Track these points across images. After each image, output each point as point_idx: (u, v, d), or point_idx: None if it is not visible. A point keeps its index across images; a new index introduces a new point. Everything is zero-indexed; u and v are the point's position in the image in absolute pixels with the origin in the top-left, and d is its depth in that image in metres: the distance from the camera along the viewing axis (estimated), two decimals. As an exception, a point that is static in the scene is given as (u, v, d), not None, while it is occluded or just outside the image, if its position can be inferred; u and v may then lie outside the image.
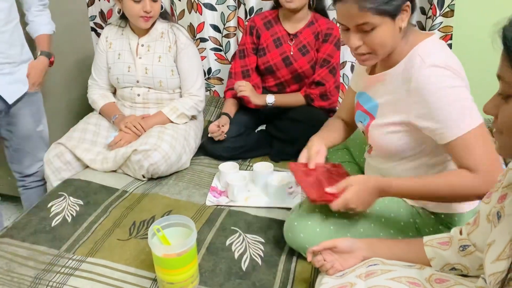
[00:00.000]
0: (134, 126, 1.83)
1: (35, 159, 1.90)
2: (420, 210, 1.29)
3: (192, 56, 1.93)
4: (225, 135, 1.85)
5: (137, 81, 1.91)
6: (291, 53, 1.96)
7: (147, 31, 1.91)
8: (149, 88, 1.92)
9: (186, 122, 1.92)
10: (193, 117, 1.99)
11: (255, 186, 1.68)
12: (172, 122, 1.88)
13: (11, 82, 1.69)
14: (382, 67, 1.26)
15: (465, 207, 1.24)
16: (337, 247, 1.07)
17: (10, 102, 1.70)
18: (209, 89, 2.49)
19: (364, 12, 1.08)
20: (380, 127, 1.25)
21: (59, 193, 1.64)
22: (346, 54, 2.20)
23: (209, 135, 1.86)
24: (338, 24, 1.19)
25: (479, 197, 1.07)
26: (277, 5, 1.98)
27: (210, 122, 2.24)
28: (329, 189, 1.18)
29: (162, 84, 1.90)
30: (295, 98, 1.99)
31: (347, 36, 1.16)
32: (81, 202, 1.58)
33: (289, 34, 1.97)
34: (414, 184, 1.16)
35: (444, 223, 1.27)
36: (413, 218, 1.29)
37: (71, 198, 1.60)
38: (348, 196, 1.14)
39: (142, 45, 1.91)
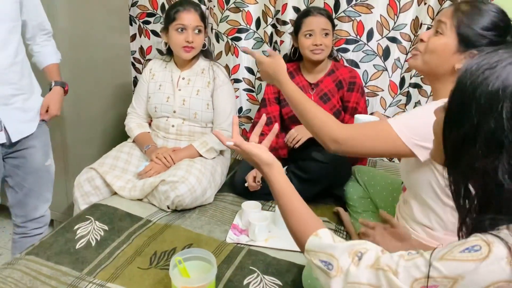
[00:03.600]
0: (165, 158, 1.89)
1: (42, 200, 1.78)
2: None
3: (228, 93, 2.02)
4: (261, 184, 1.87)
5: (174, 111, 1.99)
6: None
7: (189, 65, 2.02)
8: (183, 119, 2.00)
9: (214, 157, 1.97)
10: (221, 153, 2.05)
11: (276, 227, 1.69)
12: (201, 156, 1.94)
13: (22, 121, 1.60)
14: None
15: None
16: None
17: (14, 140, 1.59)
18: (239, 127, 2.55)
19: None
20: (406, 164, 1.26)
21: (86, 216, 1.68)
22: (375, 105, 2.24)
23: (246, 185, 1.88)
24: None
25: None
26: (297, 58, 2.06)
27: (236, 160, 2.29)
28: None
29: (197, 116, 1.98)
30: None
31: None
32: (106, 228, 1.62)
33: (310, 84, 2.04)
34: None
35: None
36: None
37: (97, 222, 1.65)
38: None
39: (183, 78, 2.01)
